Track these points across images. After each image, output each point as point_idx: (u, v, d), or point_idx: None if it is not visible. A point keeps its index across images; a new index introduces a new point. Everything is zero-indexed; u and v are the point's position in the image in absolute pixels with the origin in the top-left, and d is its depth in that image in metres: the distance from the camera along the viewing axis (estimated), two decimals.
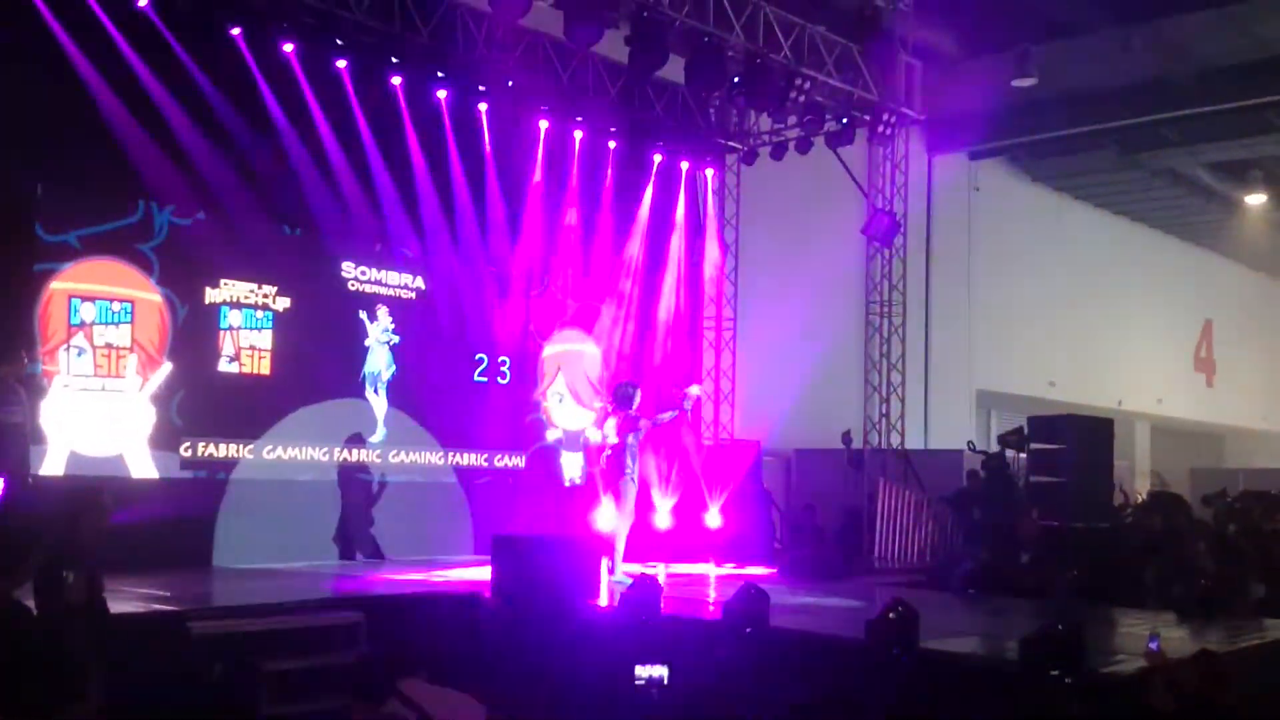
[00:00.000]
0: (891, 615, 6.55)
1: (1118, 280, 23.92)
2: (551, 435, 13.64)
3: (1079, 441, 12.59)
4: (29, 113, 9.22)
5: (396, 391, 11.90)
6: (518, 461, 13.10)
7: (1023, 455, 13.11)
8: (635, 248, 14.28)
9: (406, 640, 7.74)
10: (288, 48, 10.76)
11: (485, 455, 12.75)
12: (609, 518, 10.49)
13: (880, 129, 13.76)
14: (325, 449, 11.36)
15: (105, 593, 5.88)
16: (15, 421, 8.57)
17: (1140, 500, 15.15)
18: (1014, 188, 21.58)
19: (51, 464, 9.52)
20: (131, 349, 10.09)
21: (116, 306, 10.01)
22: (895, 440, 14.51)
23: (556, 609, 8.09)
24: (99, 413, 9.87)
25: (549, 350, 13.67)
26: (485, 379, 12.88)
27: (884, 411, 14.57)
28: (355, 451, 11.58)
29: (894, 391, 14.61)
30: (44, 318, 9.60)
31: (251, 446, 10.83)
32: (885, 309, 14.75)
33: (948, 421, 18.46)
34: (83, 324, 9.82)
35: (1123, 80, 16.57)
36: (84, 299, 9.83)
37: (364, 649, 7.70)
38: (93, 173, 9.73)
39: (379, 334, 11.84)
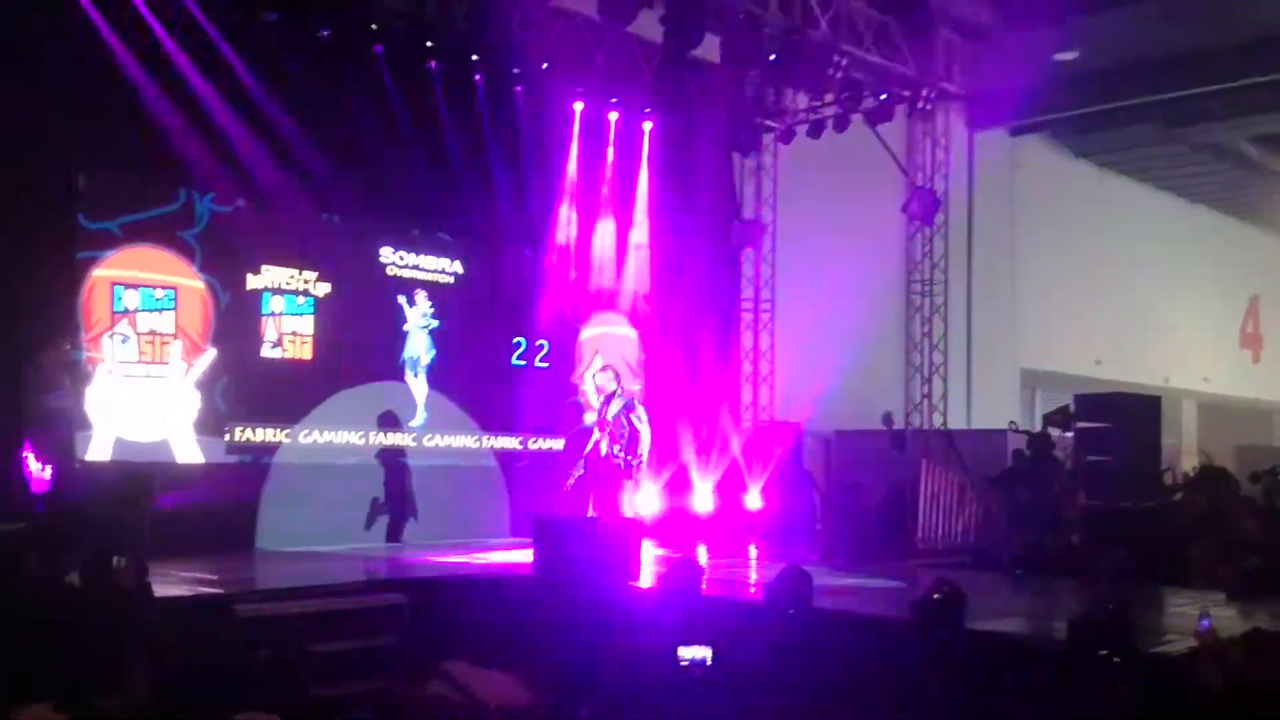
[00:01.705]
0: (937, 595, 6.47)
1: (1163, 256, 23.53)
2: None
3: (1126, 420, 12.45)
4: (70, 102, 9.29)
5: (436, 375, 11.95)
6: (556, 444, 13.11)
7: (1068, 434, 12.96)
8: (671, 228, 14.22)
9: (449, 622, 7.79)
10: (324, 33, 10.78)
11: (523, 438, 12.77)
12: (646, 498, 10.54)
13: (919, 105, 13.62)
14: (364, 433, 11.43)
15: (151, 576, 5.94)
16: (61, 407, 8.66)
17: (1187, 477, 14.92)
18: (1056, 163, 21.25)
19: (97, 449, 9.61)
20: (175, 335, 10.18)
21: (159, 293, 10.10)
22: (938, 420, 14.40)
23: (598, 590, 8.09)
24: (144, 399, 9.96)
25: (586, 333, 13.66)
26: (523, 362, 12.89)
27: (926, 392, 14.45)
28: (394, 435, 11.64)
29: (936, 371, 14.48)
30: (87, 305, 9.69)
31: (290, 431, 10.92)
32: (926, 288, 14.60)
33: (991, 401, 18.23)
34: (126, 311, 9.90)
35: (1166, 53, 16.25)
36: (127, 286, 9.92)
37: (407, 631, 7.74)
38: (134, 161, 9.81)
39: (418, 318, 11.87)
